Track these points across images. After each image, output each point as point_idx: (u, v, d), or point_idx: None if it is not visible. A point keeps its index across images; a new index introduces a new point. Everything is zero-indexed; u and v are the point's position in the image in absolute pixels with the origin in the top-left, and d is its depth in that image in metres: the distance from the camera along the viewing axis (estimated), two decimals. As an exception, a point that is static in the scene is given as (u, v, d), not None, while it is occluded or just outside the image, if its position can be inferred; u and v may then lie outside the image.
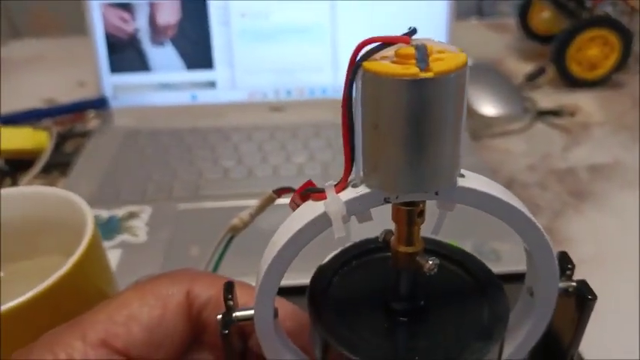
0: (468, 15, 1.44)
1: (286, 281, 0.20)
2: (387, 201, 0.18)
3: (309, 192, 0.19)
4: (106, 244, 0.48)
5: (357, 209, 0.18)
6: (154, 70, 0.67)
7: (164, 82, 0.67)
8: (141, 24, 0.65)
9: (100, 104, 0.67)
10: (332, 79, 0.68)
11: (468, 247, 0.47)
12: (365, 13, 0.66)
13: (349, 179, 0.18)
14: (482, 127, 0.68)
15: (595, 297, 0.21)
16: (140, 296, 0.23)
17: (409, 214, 0.19)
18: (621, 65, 0.76)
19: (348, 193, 0.18)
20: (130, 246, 0.48)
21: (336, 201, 0.18)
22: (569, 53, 0.74)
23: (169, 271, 0.25)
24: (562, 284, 0.22)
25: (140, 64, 0.66)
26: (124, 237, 0.49)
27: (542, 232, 0.19)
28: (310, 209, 0.18)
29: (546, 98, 0.75)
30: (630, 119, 0.70)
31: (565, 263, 0.22)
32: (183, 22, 0.65)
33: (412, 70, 0.15)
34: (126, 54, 0.66)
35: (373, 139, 0.17)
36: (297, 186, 0.54)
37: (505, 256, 0.46)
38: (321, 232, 0.18)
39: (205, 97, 0.68)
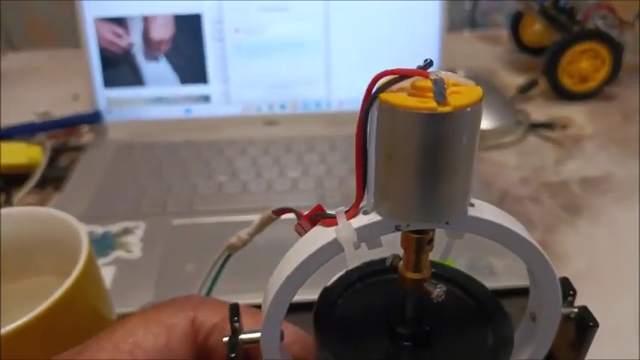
0: (461, 26, 1.45)
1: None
2: (397, 229, 0.18)
3: (318, 217, 0.19)
4: (101, 260, 0.48)
5: (368, 236, 0.18)
6: (148, 84, 0.66)
7: (158, 97, 0.67)
8: (135, 39, 0.65)
9: (93, 118, 0.66)
10: (326, 93, 0.68)
11: (462, 262, 0.47)
12: (358, 26, 0.67)
13: (360, 206, 0.18)
14: (476, 140, 0.68)
15: (597, 324, 0.21)
16: (145, 324, 0.23)
17: (418, 242, 0.19)
18: (612, 78, 0.77)
19: (360, 220, 0.18)
20: (124, 262, 0.48)
21: (348, 228, 0.18)
22: (560, 66, 0.75)
23: (174, 297, 0.25)
24: (564, 310, 0.22)
25: (134, 78, 0.66)
26: (118, 253, 0.49)
27: (549, 262, 0.19)
28: (320, 235, 0.18)
29: (538, 111, 0.75)
30: (621, 132, 0.71)
31: (567, 289, 0.22)
32: (177, 37, 0.65)
33: (430, 103, 0.15)
34: (120, 68, 0.66)
35: (387, 168, 0.17)
36: (291, 202, 0.55)
37: (499, 271, 0.46)
38: (331, 259, 0.18)
39: (200, 111, 0.67)
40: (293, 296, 0.19)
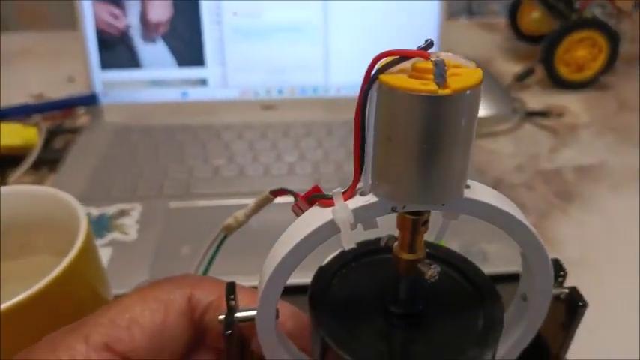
0: (458, 14, 1.45)
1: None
2: (394, 210, 0.18)
3: (316, 198, 0.19)
4: (97, 242, 0.48)
5: (365, 217, 0.18)
6: (145, 66, 0.66)
7: (155, 79, 0.67)
8: (132, 20, 0.65)
9: (90, 100, 0.66)
10: (324, 78, 0.68)
11: (456, 247, 0.47)
12: (357, 12, 0.67)
13: (357, 187, 0.19)
14: (472, 127, 0.68)
15: (585, 303, 0.22)
16: (142, 301, 0.23)
17: (414, 223, 0.19)
18: (608, 67, 0.77)
19: (356, 202, 0.18)
20: (120, 244, 0.48)
21: (345, 209, 0.18)
22: (557, 54, 0.75)
23: (170, 276, 0.25)
24: (554, 290, 0.22)
25: (131, 60, 0.66)
26: (114, 235, 0.49)
27: (542, 243, 0.20)
28: (317, 216, 0.19)
29: (535, 99, 0.76)
30: (616, 121, 0.72)
31: (557, 270, 0.23)
32: (175, 19, 0.65)
33: (430, 86, 0.15)
34: (117, 50, 0.66)
35: (385, 150, 0.17)
36: (288, 186, 0.54)
37: (492, 257, 0.46)
38: (327, 239, 0.19)
39: (196, 94, 0.67)
40: (289, 275, 0.20)
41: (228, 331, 0.20)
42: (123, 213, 0.52)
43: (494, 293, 0.22)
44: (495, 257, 0.46)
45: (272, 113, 0.68)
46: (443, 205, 0.18)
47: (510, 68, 0.83)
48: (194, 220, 0.51)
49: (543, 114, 0.71)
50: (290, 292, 0.26)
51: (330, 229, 0.18)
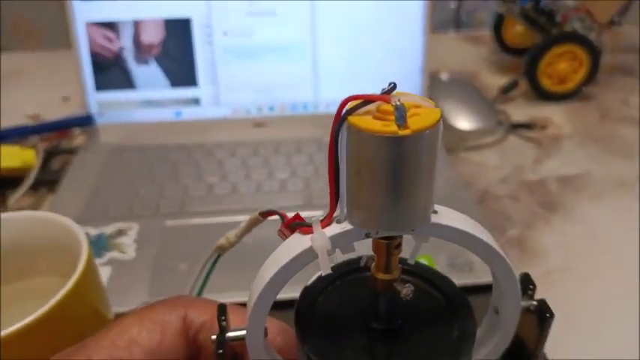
0: (446, 26, 1.47)
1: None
2: (367, 236, 0.20)
3: (296, 226, 0.21)
4: (96, 261, 0.49)
5: (341, 243, 0.20)
6: (139, 87, 0.68)
7: (149, 100, 0.68)
8: (125, 43, 0.67)
9: (85, 121, 0.68)
10: (313, 95, 0.70)
11: (443, 258, 0.49)
12: (343, 30, 0.69)
13: (334, 215, 0.20)
14: (457, 140, 0.70)
15: (552, 315, 0.24)
16: (139, 322, 0.25)
17: (388, 247, 0.21)
18: (590, 78, 0.79)
19: (333, 229, 0.20)
20: (118, 263, 0.49)
21: (322, 236, 0.20)
22: (540, 68, 0.78)
23: (165, 298, 0.27)
24: (524, 303, 0.24)
25: (125, 81, 0.68)
26: (112, 254, 0.50)
27: (507, 261, 0.21)
28: (297, 243, 0.20)
29: (519, 111, 0.78)
30: (599, 131, 0.74)
31: (527, 284, 0.25)
32: (167, 41, 0.67)
33: (392, 127, 0.17)
34: (111, 72, 0.67)
35: (356, 183, 0.19)
36: (280, 203, 0.57)
37: (478, 267, 0.48)
38: (307, 264, 0.20)
39: (190, 113, 0.69)
40: (274, 298, 0.21)
41: (220, 351, 0.22)
42: (120, 232, 0.53)
43: (467, 306, 0.24)
44: (480, 268, 0.48)
45: (263, 130, 0.70)
46: (412, 230, 0.20)
47: (496, 81, 0.85)
48: (190, 237, 0.52)
49: (528, 126, 0.73)
50: (278, 307, 0.28)
51: (309, 255, 0.20)
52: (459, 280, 0.46)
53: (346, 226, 0.20)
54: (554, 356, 0.42)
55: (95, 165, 0.64)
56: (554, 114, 0.77)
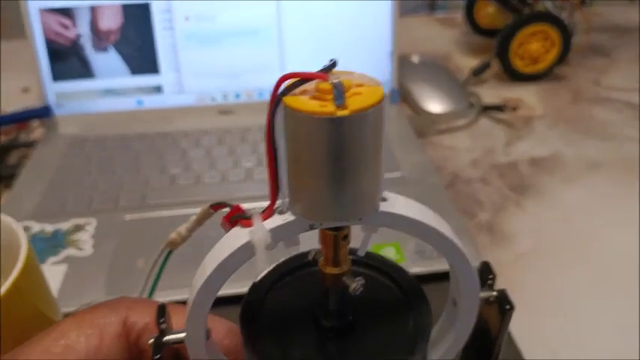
0: (421, 7, 1.46)
1: (221, 292, 0.20)
2: (312, 227, 0.18)
3: (236, 218, 0.19)
4: (51, 259, 0.47)
5: (283, 236, 0.19)
6: (98, 76, 0.65)
7: (109, 88, 0.66)
8: (82, 30, 0.64)
9: (43, 113, 0.65)
10: (280, 80, 0.68)
11: (410, 245, 0.48)
12: (310, 12, 0.67)
13: (275, 206, 0.19)
14: (429, 124, 0.69)
15: (513, 307, 0.22)
16: (77, 326, 0.23)
17: (335, 239, 0.20)
18: (562, 59, 0.79)
19: (274, 221, 0.18)
20: (75, 260, 0.47)
21: (261, 229, 0.18)
22: (511, 48, 0.76)
23: (107, 300, 0.25)
24: (484, 294, 0.23)
25: (83, 70, 0.65)
26: (69, 251, 0.48)
27: (462, 250, 0.20)
28: (236, 237, 0.19)
29: (491, 93, 0.77)
30: (570, 112, 0.73)
31: (487, 273, 0.23)
32: (126, 27, 0.64)
33: (329, 108, 0.15)
34: (68, 61, 0.65)
35: (295, 170, 0.17)
36: (246, 193, 0.54)
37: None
38: (248, 260, 0.19)
39: (152, 102, 0.67)
40: (214, 297, 0.20)
41: (157, 356, 0.20)
42: (78, 228, 0.51)
43: (423, 300, 0.23)
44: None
45: (229, 118, 0.68)
46: (360, 219, 0.18)
47: (468, 63, 0.84)
48: (150, 231, 0.50)
49: (499, 108, 0.72)
50: (225, 302, 0.26)
51: (248, 250, 0.18)
52: (427, 267, 0.45)
53: (288, 217, 0.18)
54: (523, 340, 0.41)
55: (53, 158, 0.61)
56: (526, 95, 0.76)
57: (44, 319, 0.33)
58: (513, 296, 0.23)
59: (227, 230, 0.21)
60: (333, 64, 0.17)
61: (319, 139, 0.16)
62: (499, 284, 0.24)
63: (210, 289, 0.19)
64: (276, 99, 0.16)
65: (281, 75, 0.17)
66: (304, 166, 0.17)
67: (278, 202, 0.19)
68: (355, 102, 0.16)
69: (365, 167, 0.17)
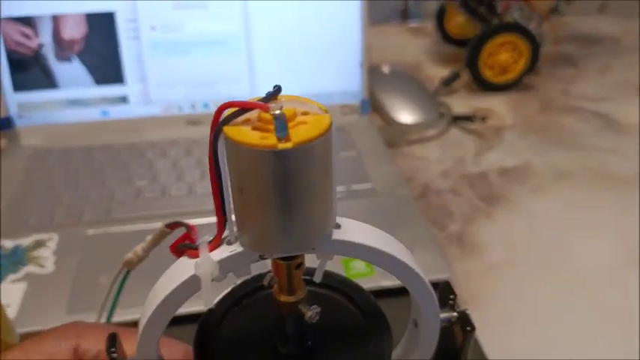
0: (394, 16, 1.46)
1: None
2: (262, 258, 0.18)
3: (182, 248, 0.19)
4: (11, 277, 0.46)
5: (232, 267, 0.18)
6: (62, 86, 0.64)
7: (73, 99, 0.64)
8: (45, 39, 0.62)
9: (4, 124, 0.63)
10: (249, 90, 0.67)
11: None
12: (278, 21, 0.66)
13: (223, 236, 0.18)
14: (399, 134, 0.69)
15: (473, 328, 0.22)
16: (24, 354, 0.22)
17: (288, 268, 0.19)
18: (530, 69, 0.79)
19: (222, 252, 0.18)
20: (36, 278, 0.46)
21: (208, 261, 0.17)
22: (481, 58, 0.77)
23: (56, 326, 0.24)
24: (445, 314, 0.22)
25: (46, 80, 0.63)
26: (29, 268, 0.47)
27: (419, 274, 0.20)
28: (182, 269, 0.18)
29: (462, 103, 0.77)
30: (540, 122, 0.73)
31: (447, 293, 0.23)
32: (90, 36, 0.63)
33: (271, 140, 0.15)
34: (30, 71, 0.63)
35: (241, 201, 0.16)
36: (211, 206, 0.53)
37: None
38: (195, 292, 0.18)
39: (117, 112, 0.65)
40: (164, 327, 0.19)
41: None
42: (39, 244, 0.50)
43: (383, 323, 0.22)
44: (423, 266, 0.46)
45: (198, 128, 0.67)
46: (313, 249, 0.18)
47: (439, 72, 0.84)
48: (114, 247, 0.49)
49: (469, 118, 0.72)
50: (182, 321, 0.25)
51: (195, 282, 0.17)
52: (392, 281, 0.45)
53: (237, 248, 0.18)
54: (494, 350, 0.41)
55: (15, 171, 0.59)
56: (496, 105, 0.77)
57: (3, 343, 0.32)
58: (485, 307, 0.23)
59: (176, 258, 0.20)
60: (277, 91, 0.16)
61: (262, 171, 0.15)
62: (470, 295, 0.23)
63: (159, 318, 0.19)
64: (217, 129, 0.16)
65: (222, 103, 0.16)
66: (249, 198, 0.16)
67: (225, 232, 0.18)
68: (299, 133, 0.15)
69: (313, 197, 0.16)
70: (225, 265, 0.18)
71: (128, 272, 0.32)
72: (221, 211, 0.17)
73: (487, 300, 0.46)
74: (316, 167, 0.16)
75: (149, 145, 0.63)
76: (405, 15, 1.46)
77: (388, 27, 1.10)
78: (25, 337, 0.36)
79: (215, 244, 0.18)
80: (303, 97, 0.17)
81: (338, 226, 0.18)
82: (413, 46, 0.97)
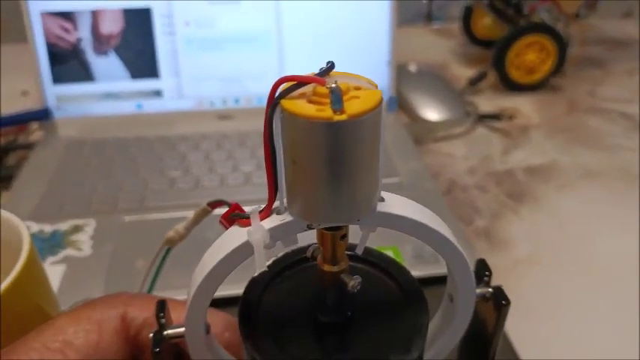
0: (418, 18, 1.47)
1: (221, 292, 0.21)
2: (310, 227, 0.19)
3: (234, 217, 0.20)
4: (50, 259, 0.48)
5: (281, 236, 0.19)
6: (98, 79, 0.66)
7: (109, 92, 0.66)
8: (83, 33, 0.64)
9: (43, 115, 0.66)
10: (279, 86, 0.69)
11: (408, 250, 0.48)
12: (310, 19, 0.67)
13: (273, 206, 0.19)
14: (426, 131, 0.70)
15: (509, 302, 0.23)
16: (75, 322, 0.23)
17: (333, 238, 0.20)
18: (557, 69, 0.79)
19: (272, 221, 0.19)
20: (74, 260, 0.48)
21: (259, 229, 0.18)
22: (508, 58, 0.77)
23: (105, 295, 0.25)
24: (480, 290, 0.23)
25: (83, 74, 0.65)
26: (68, 252, 0.49)
27: (458, 248, 0.20)
28: (234, 236, 0.19)
29: (487, 102, 0.77)
30: (566, 122, 0.74)
31: (483, 270, 0.24)
32: (127, 31, 0.65)
33: (327, 112, 0.16)
34: (69, 64, 0.65)
35: (293, 173, 0.17)
36: (245, 196, 0.55)
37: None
38: (246, 259, 0.19)
39: (151, 106, 0.67)
40: (213, 294, 0.20)
41: (157, 349, 0.21)
42: (77, 229, 0.51)
43: (421, 297, 0.23)
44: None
45: (228, 123, 0.68)
46: (357, 220, 0.19)
47: (465, 73, 0.85)
48: (149, 233, 0.51)
49: (495, 117, 0.72)
50: (228, 303, 0.26)
51: (246, 249, 0.19)
52: (425, 271, 0.46)
53: (286, 217, 0.19)
54: (520, 346, 0.41)
55: (52, 160, 0.61)
56: (522, 105, 0.77)
57: (45, 315, 0.34)
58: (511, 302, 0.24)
59: (225, 228, 0.21)
60: (331, 67, 0.17)
61: (317, 143, 0.16)
62: (496, 289, 0.24)
63: (210, 285, 0.20)
64: (274, 102, 0.17)
65: (278, 78, 0.17)
66: (302, 169, 0.17)
67: (276, 203, 0.19)
68: (353, 106, 0.16)
69: (363, 169, 0.17)
70: (274, 233, 0.19)
71: (169, 250, 0.33)
72: (273, 182, 0.18)
73: (512, 295, 0.46)
74: (367, 139, 0.17)
75: (181, 138, 0.65)
76: (428, 17, 1.47)
77: (413, 28, 1.11)
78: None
79: (266, 213, 0.19)
80: (353, 73, 0.18)
81: (382, 200, 0.19)
82: (438, 47, 0.98)
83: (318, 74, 0.17)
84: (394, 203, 0.20)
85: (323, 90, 0.16)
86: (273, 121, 0.17)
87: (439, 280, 0.42)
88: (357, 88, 0.17)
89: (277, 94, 0.17)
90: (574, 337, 0.43)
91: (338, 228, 0.20)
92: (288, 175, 0.18)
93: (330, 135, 0.16)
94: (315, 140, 0.16)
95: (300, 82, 0.16)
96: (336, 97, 0.16)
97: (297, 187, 0.18)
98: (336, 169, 0.17)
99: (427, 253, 0.48)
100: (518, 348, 0.41)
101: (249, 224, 0.19)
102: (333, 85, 0.16)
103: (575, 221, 0.56)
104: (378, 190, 0.19)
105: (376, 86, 0.17)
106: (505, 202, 0.58)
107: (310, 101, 0.16)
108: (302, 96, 0.17)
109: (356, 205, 0.18)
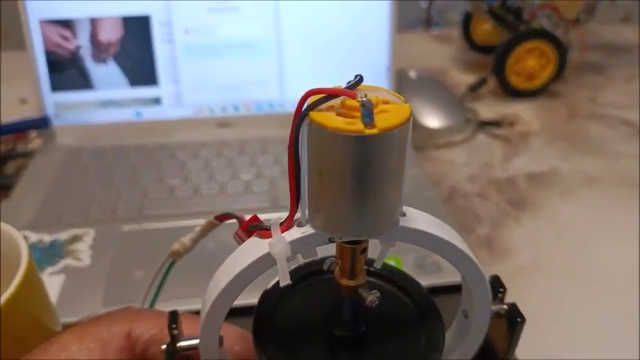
0: (416, 24, 1.47)
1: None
2: (331, 241, 0.18)
3: (254, 228, 0.19)
4: (49, 269, 0.47)
5: (302, 248, 0.19)
6: (97, 87, 0.65)
7: (107, 100, 0.66)
8: (82, 41, 0.64)
9: (41, 123, 0.65)
10: (279, 94, 0.68)
11: (410, 259, 0.48)
12: (309, 26, 0.67)
13: (294, 218, 0.19)
14: (426, 138, 0.69)
15: (524, 319, 0.22)
16: (79, 340, 0.23)
17: (353, 252, 0.20)
18: (558, 75, 0.79)
19: (294, 233, 0.18)
20: (73, 270, 0.47)
21: (281, 241, 0.18)
22: (508, 65, 0.77)
23: (110, 311, 0.25)
24: (494, 307, 0.23)
25: (82, 81, 0.65)
26: (67, 261, 0.48)
27: (478, 265, 0.20)
28: (255, 247, 0.19)
29: (488, 109, 0.77)
30: (566, 128, 0.74)
31: (497, 287, 0.23)
32: (126, 39, 0.64)
33: (357, 126, 0.15)
34: (67, 72, 0.64)
35: (318, 185, 0.17)
36: (245, 205, 0.54)
37: (445, 268, 0.47)
38: (265, 271, 0.19)
39: (150, 113, 0.67)
40: (230, 306, 0.20)
41: (170, 360, 0.20)
42: (76, 238, 0.51)
43: (436, 313, 0.23)
44: (448, 269, 0.47)
45: (228, 131, 0.68)
46: (380, 235, 0.18)
47: (465, 79, 0.85)
48: (148, 242, 0.50)
49: (496, 123, 0.72)
50: (236, 314, 0.26)
51: (267, 261, 0.18)
52: (426, 281, 0.45)
53: (307, 230, 0.18)
54: (521, 352, 0.41)
55: (51, 168, 0.61)
56: (523, 111, 0.77)
57: (44, 329, 0.33)
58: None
59: (240, 242, 0.21)
60: (360, 80, 0.17)
61: (345, 156, 0.16)
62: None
63: (227, 297, 0.19)
64: (302, 114, 0.16)
65: (307, 90, 0.17)
66: (328, 181, 0.17)
67: (297, 215, 0.19)
68: (383, 120, 0.16)
69: (389, 184, 0.17)
70: (295, 245, 0.18)
71: (173, 262, 0.33)
72: (295, 194, 0.18)
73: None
74: (395, 154, 0.16)
75: (180, 145, 0.64)
76: (428, 23, 1.47)
77: (411, 34, 1.11)
78: (65, 326, 0.37)
79: (287, 225, 0.19)
80: (381, 87, 0.18)
81: (403, 214, 0.19)
82: (438, 52, 0.98)
83: (346, 87, 0.17)
84: (416, 218, 0.19)
85: (352, 103, 0.16)
86: (300, 132, 0.17)
87: (441, 291, 0.42)
88: (386, 102, 0.17)
89: (305, 106, 0.16)
90: (576, 345, 0.43)
91: (358, 242, 0.20)
92: (313, 187, 0.17)
93: (360, 148, 0.16)
94: (344, 153, 0.16)
95: (330, 94, 0.16)
96: (367, 111, 0.15)
97: (321, 200, 0.17)
98: (363, 182, 0.16)
99: (428, 263, 0.48)
100: (520, 356, 0.41)
101: (269, 236, 0.18)
102: (365, 99, 0.16)
103: (576, 228, 0.56)
104: (401, 204, 0.18)
105: (404, 100, 0.17)
106: (506, 210, 0.58)
107: (339, 114, 0.16)
108: (330, 108, 0.16)
109: (380, 219, 0.18)
